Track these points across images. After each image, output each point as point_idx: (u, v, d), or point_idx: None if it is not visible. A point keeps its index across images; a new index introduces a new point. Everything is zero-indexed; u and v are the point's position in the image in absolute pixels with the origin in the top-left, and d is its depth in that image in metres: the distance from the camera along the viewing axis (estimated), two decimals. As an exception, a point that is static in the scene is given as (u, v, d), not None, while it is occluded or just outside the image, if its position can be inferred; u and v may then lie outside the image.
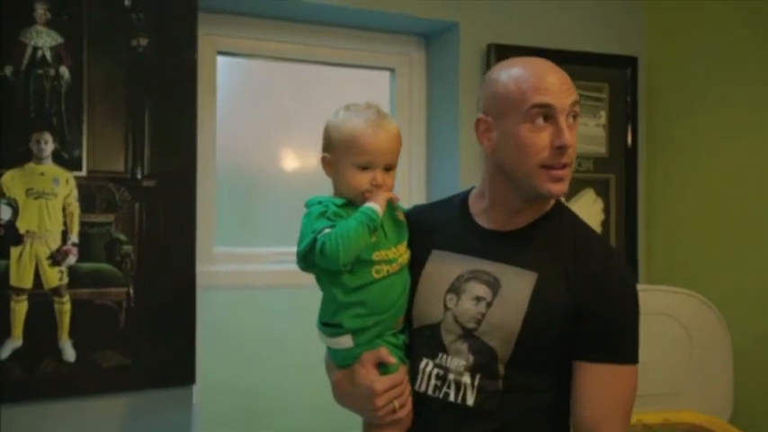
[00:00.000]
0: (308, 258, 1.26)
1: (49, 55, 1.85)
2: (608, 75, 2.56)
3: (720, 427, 2.07)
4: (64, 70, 1.87)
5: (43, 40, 1.85)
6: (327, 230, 1.23)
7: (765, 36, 2.24)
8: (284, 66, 2.47)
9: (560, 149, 1.21)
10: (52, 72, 1.85)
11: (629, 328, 1.25)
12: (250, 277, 2.30)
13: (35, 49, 1.84)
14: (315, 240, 1.23)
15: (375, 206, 1.26)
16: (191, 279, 2.01)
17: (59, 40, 1.86)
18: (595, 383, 1.21)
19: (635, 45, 2.63)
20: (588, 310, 1.22)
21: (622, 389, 1.23)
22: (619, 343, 1.24)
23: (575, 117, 1.24)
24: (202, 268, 2.09)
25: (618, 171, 2.60)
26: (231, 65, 2.35)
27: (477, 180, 2.34)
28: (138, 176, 1.94)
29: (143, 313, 1.94)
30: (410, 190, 2.51)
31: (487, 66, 2.39)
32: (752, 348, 2.23)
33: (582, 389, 1.22)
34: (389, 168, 1.31)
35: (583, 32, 2.54)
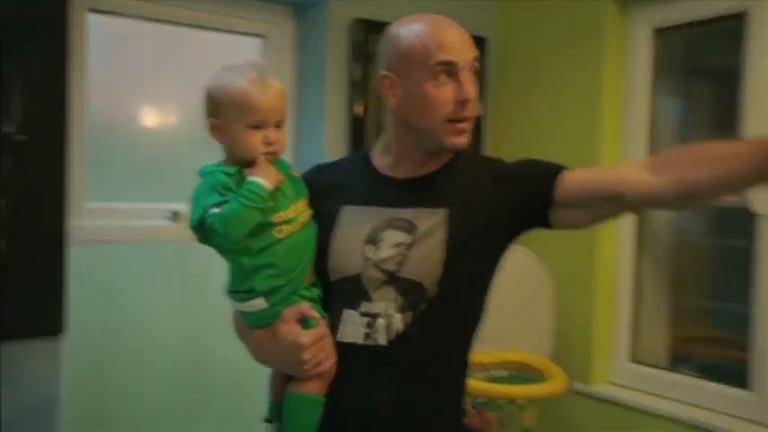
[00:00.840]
0: (200, 233, 1.24)
1: None
2: (460, 53, 2.82)
3: (541, 363, 2.44)
4: (-70, 19, 1.84)
5: None
6: (215, 210, 1.20)
7: (594, 20, 2.58)
8: (149, 25, 2.50)
9: (463, 103, 1.26)
10: None
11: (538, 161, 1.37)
12: (121, 232, 2.37)
13: None
14: (204, 218, 1.21)
15: (260, 181, 1.22)
16: (62, 231, 2.05)
17: (-75, -13, 1.83)
18: (583, 172, 1.31)
19: (484, 26, 2.91)
20: (516, 192, 1.31)
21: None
22: (548, 165, 1.34)
23: (475, 72, 1.29)
24: (74, 222, 2.14)
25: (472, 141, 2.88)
26: (95, 21, 2.35)
27: (342, 148, 2.55)
28: (10, 130, 1.95)
29: (13, 264, 1.97)
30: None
31: (353, 39, 2.58)
32: (571, 297, 2.61)
33: (588, 178, 1.30)
34: (280, 125, 1.29)
35: (439, 12, 2.76)
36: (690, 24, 2.46)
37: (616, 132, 2.58)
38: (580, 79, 2.63)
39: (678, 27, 2.51)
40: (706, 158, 1.19)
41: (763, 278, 2.20)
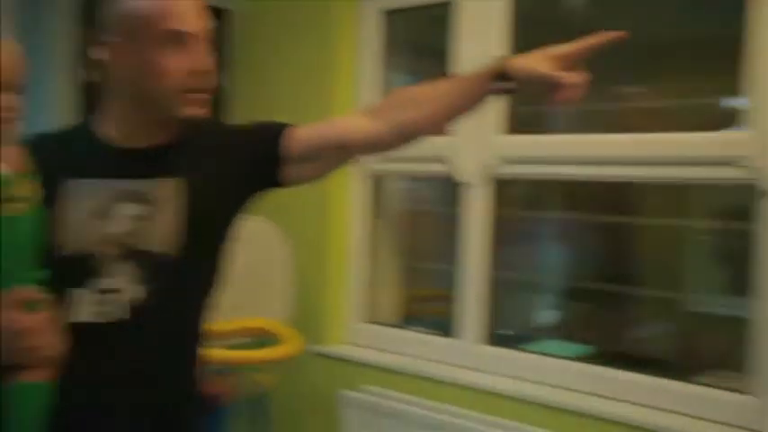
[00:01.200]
0: None
1: None
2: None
3: (279, 328, 2.53)
4: None
5: None
6: None
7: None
8: None
9: (196, 74, 1.23)
10: None
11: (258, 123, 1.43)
12: None
13: None
14: None
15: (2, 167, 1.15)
16: None
17: None
18: (308, 127, 1.36)
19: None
20: (248, 155, 1.33)
21: None
22: (273, 124, 1.38)
23: (208, 42, 1.26)
24: None
25: (212, 111, 2.88)
26: None
27: (71, 116, 2.42)
28: None
29: None
30: None
31: (80, 2, 2.45)
32: (307, 263, 2.73)
33: (312, 133, 1.34)
34: (14, 90, 1.17)
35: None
36: (414, 8, 2.67)
37: (349, 107, 2.73)
38: (316, 55, 2.74)
39: (405, 10, 2.70)
40: (416, 100, 1.31)
41: (465, 240, 2.47)
